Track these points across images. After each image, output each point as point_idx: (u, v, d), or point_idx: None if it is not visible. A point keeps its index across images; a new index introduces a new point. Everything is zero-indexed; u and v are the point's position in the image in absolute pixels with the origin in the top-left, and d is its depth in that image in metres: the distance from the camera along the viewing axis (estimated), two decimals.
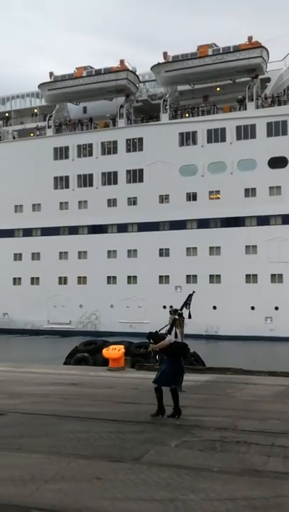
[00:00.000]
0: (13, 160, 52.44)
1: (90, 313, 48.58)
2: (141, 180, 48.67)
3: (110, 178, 49.80)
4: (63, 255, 50.83)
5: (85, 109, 53.78)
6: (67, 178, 51.23)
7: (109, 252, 49.08)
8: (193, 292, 9.42)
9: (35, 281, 51.70)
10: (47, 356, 29.36)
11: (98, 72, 51.00)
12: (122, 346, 14.25)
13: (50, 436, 7.57)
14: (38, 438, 7.50)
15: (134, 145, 49.37)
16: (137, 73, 51.36)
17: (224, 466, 6.16)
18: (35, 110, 56.69)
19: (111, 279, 48.75)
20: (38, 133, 54.44)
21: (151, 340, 8.87)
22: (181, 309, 8.99)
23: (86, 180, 50.72)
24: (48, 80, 52.92)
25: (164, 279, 47.18)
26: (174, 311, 8.91)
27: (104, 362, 14.25)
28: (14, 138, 55.32)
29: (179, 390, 8.64)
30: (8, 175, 52.29)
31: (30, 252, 51.89)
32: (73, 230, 50.66)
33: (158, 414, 8.65)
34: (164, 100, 49.15)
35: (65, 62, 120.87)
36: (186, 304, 9.14)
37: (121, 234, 48.77)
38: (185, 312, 9.07)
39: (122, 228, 48.87)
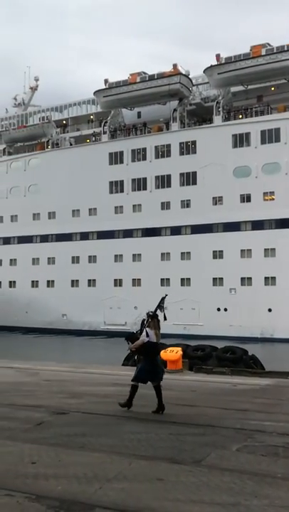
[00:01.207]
0: (70, 166, 53.74)
1: (145, 315, 48.73)
2: (194, 182, 48.57)
3: (164, 182, 50.02)
4: (118, 258, 51.57)
5: (139, 114, 54.29)
6: (122, 182, 51.92)
7: (162, 254, 49.29)
8: (166, 295, 10.10)
9: (91, 283, 52.72)
10: (104, 357, 29.82)
11: (151, 78, 51.38)
12: (179, 348, 14.31)
13: (111, 436, 7.73)
14: (99, 437, 7.68)
15: (188, 148, 49.36)
16: (190, 76, 51.39)
17: (288, 473, 6.08)
18: (91, 117, 57.73)
19: (164, 281, 48.88)
20: (93, 139, 55.51)
21: (129, 342, 9.54)
22: (155, 311, 9.59)
23: (140, 184, 51.21)
24: (103, 86, 53.82)
25: (217, 281, 46.81)
26: (148, 314, 9.51)
27: (162, 364, 14.31)
28: (71, 144, 56.62)
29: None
30: (65, 181, 53.66)
31: (87, 255, 53.05)
32: (128, 233, 51.29)
33: (125, 406, 9.32)
34: (217, 102, 48.87)
35: (119, 68, 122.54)
36: (160, 306, 9.75)
37: (174, 236, 48.87)
38: (161, 315, 9.73)
39: (176, 231, 48.94)
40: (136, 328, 41.22)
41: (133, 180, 51.43)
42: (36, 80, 66.03)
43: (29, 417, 9.04)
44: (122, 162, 52.23)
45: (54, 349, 36.70)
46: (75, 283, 53.66)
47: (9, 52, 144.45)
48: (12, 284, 57.02)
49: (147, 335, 9.23)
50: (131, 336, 9.65)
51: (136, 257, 50.71)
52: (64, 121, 59.27)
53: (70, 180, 53.42)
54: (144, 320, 9.57)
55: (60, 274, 53.87)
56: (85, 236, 53.55)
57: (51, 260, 55.19)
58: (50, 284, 54.97)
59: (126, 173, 51.55)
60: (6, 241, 58.04)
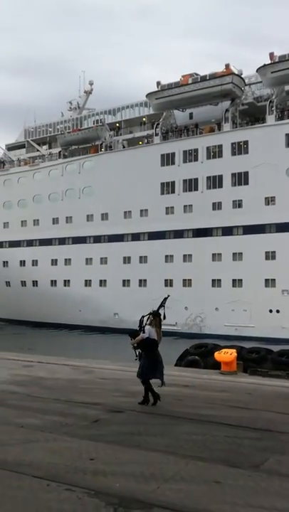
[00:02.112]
0: (122, 168, 54.28)
1: (195, 316, 48.77)
2: (246, 183, 47.86)
3: (215, 182, 49.56)
4: (169, 258, 51.55)
5: (191, 115, 54.02)
6: (173, 183, 51.88)
7: (214, 255, 48.80)
8: (168, 296, 11.02)
9: (142, 283, 52.98)
10: None
11: (203, 79, 50.95)
12: (234, 350, 14.16)
13: (167, 436, 7.76)
14: (155, 437, 7.72)
15: (240, 148, 48.72)
16: (242, 76, 50.73)
17: None
18: (144, 119, 57.88)
19: (216, 282, 48.44)
20: (146, 141, 55.83)
21: (132, 338, 10.12)
22: (158, 310, 10.35)
23: (191, 185, 51.05)
24: (155, 88, 54.02)
25: (270, 282, 45.94)
26: (151, 313, 10.27)
27: (215, 365, 14.23)
28: (124, 147, 57.09)
29: (160, 384, 9.78)
30: (118, 182, 54.21)
31: (138, 256, 53.32)
32: (178, 234, 51.22)
33: (144, 403, 9.79)
34: (271, 101, 47.94)
35: (171, 68, 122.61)
36: (162, 306, 10.57)
37: (226, 237, 48.33)
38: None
39: (227, 231, 48.38)
40: (187, 329, 41.65)
41: (184, 181, 51.25)
42: (91, 84, 67.16)
43: (86, 414, 9.21)
44: (173, 163, 52.20)
45: (107, 347, 37.14)
46: (126, 283, 54.09)
47: (63, 56, 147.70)
48: (66, 283, 58.16)
49: (144, 331, 9.95)
50: (133, 333, 10.16)
51: (186, 258, 50.50)
52: (117, 124, 59.77)
53: (123, 182, 53.92)
54: (142, 317, 10.24)
55: (112, 273, 54.50)
56: (136, 237, 53.91)
57: (103, 260, 55.88)
58: (102, 283, 55.65)
59: (177, 174, 51.43)
60: (62, 241, 59.24)
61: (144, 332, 9.98)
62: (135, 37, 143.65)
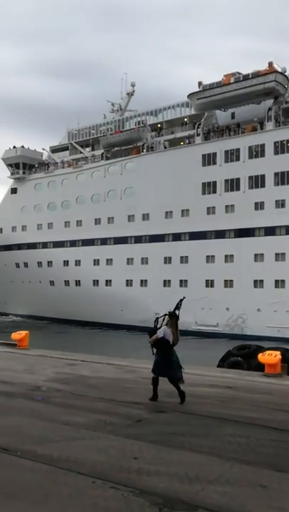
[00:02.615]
0: (163, 169, 54.39)
1: (237, 317, 48.29)
2: None
3: (258, 182, 48.93)
4: (210, 259, 51.27)
5: (233, 115, 53.48)
6: (214, 183, 51.56)
7: (256, 255, 48.15)
8: (184, 298, 11.08)
9: (183, 283, 52.92)
10: (197, 358, 29.73)
11: (246, 77, 50.28)
12: (278, 352, 13.90)
13: (211, 438, 7.70)
14: (198, 438, 7.67)
15: (283, 147, 47.89)
16: (286, 74, 49.80)
17: None
18: (185, 119, 57.82)
19: (258, 283, 47.83)
20: (187, 141, 55.66)
21: (150, 336, 10.47)
22: (174, 311, 10.50)
23: (233, 185, 50.57)
24: (197, 89, 53.78)
25: None
26: (167, 314, 10.55)
27: (259, 367, 14.01)
28: (165, 147, 57.13)
29: (181, 381, 10.11)
30: (159, 183, 54.36)
31: (178, 256, 53.31)
32: (220, 234, 50.79)
33: (152, 399, 10.16)
34: None
35: (213, 67, 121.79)
36: (177, 307, 10.66)
37: (268, 237, 47.58)
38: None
39: (270, 231, 47.62)
40: (228, 330, 41.37)
41: (226, 180, 50.85)
42: (133, 85, 67.74)
43: (129, 413, 9.27)
44: (215, 163, 51.84)
45: (148, 347, 37.20)
46: (167, 283, 54.19)
47: (106, 58, 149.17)
48: (108, 282, 58.76)
49: (162, 332, 10.26)
50: (152, 331, 10.49)
51: (228, 258, 50.08)
52: (159, 125, 59.97)
53: (164, 183, 53.99)
54: (157, 318, 10.64)
55: (152, 273, 54.74)
56: (177, 237, 53.88)
57: (144, 260, 56.20)
58: (143, 283, 55.99)
59: (219, 174, 51.08)
60: (103, 242, 59.93)
61: (162, 332, 10.33)
62: (176, 37, 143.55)
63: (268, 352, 14.03)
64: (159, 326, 10.48)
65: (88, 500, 5.27)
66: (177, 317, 10.49)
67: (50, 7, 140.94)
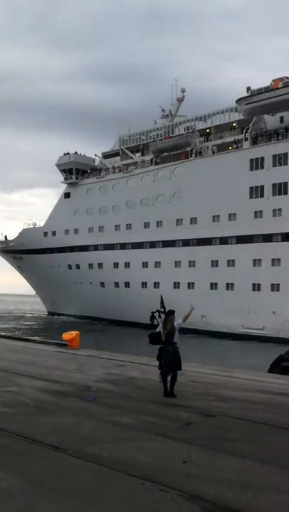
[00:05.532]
0: (211, 173, 54.44)
1: (284, 321, 47.58)
2: None
3: None
4: (257, 262, 50.80)
5: (281, 119, 52.92)
6: (262, 187, 51.10)
7: None
8: (161, 295, 11.77)
9: (230, 286, 52.79)
10: (246, 361, 29.34)
11: None
12: None
13: (263, 445, 7.56)
14: (250, 444, 7.54)
15: None
16: None
17: None
18: (234, 124, 57.63)
19: None
20: (235, 146, 55.32)
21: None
22: (164, 310, 11.10)
23: (281, 189, 49.93)
24: (245, 94, 53.41)
25: None
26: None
27: None
28: (213, 152, 57.07)
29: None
30: (207, 187, 54.42)
31: (225, 259, 53.16)
32: (267, 238, 50.19)
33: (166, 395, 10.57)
34: None
35: (261, 68, 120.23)
36: (162, 305, 11.31)
37: None
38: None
39: None
40: (274, 333, 40.99)
41: (273, 185, 50.27)
42: (183, 91, 68.32)
43: (178, 416, 9.23)
44: (262, 167, 51.39)
45: (195, 350, 36.96)
46: (214, 286, 54.18)
47: (154, 61, 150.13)
48: (156, 285, 59.09)
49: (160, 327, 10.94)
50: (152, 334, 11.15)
51: (275, 262, 49.52)
52: (207, 130, 60.05)
53: (211, 187, 54.01)
54: (153, 315, 11.39)
55: (200, 276, 54.89)
56: (224, 241, 53.65)
57: (192, 263, 56.39)
58: (190, 286, 56.06)
59: (266, 178, 50.64)
60: (152, 245, 60.51)
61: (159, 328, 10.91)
62: (223, 38, 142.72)
63: None
64: (155, 322, 11.04)
65: (138, 501, 5.27)
66: (168, 314, 10.88)
67: (98, 14, 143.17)
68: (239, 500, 5.38)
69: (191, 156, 58.30)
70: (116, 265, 64.27)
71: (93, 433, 7.88)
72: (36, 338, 25.58)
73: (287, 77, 51.48)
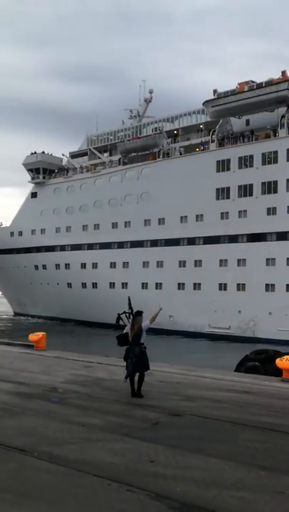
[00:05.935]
0: (179, 174, 54.83)
1: (249, 320, 48.39)
2: None
3: (270, 187, 49.09)
4: (223, 262, 51.42)
5: (247, 122, 53.85)
6: (228, 189, 51.80)
7: (268, 260, 48.35)
8: (129, 296, 11.56)
9: (197, 286, 53.26)
10: (212, 360, 29.65)
11: (259, 86, 50.79)
12: None
13: (228, 443, 7.62)
14: (215, 443, 7.59)
15: None
16: None
17: None
18: (201, 126, 58.27)
19: (269, 287, 47.95)
20: (202, 148, 55.90)
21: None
22: (132, 311, 11.03)
23: (246, 191, 50.71)
24: (212, 96, 54.07)
25: None
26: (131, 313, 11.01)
27: (276, 372, 13.88)
28: (181, 154, 57.55)
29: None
30: (174, 189, 54.84)
31: (193, 260, 53.66)
32: (233, 239, 50.90)
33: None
34: None
35: (227, 70, 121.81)
36: (130, 307, 11.16)
37: (281, 242, 47.66)
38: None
39: (282, 236, 47.75)
40: (240, 333, 41.64)
41: (239, 186, 51.03)
42: (150, 92, 68.99)
43: (145, 416, 9.22)
44: (229, 169, 52.07)
45: (162, 350, 37.17)
46: (181, 286, 54.57)
47: (121, 62, 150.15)
48: (124, 285, 59.11)
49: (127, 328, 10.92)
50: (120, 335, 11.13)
51: (241, 262, 50.25)
52: (175, 131, 60.54)
53: (179, 188, 54.44)
54: (119, 316, 11.33)
55: (167, 277, 55.21)
56: (191, 241, 54.12)
57: (160, 264, 56.73)
58: (158, 286, 56.37)
59: (232, 180, 51.34)
60: (120, 245, 60.48)
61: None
62: (191, 40, 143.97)
63: (286, 357, 13.90)
64: (121, 323, 11.06)
65: (104, 502, 5.25)
66: (136, 315, 10.92)
67: (64, 12, 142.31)
68: (205, 497, 5.42)
69: (158, 157, 58.61)
70: (83, 266, 63.99)
71: (59, 435, 7.80)
72: (2, 339, 25.15)
73: (252, 81, 52.56)
